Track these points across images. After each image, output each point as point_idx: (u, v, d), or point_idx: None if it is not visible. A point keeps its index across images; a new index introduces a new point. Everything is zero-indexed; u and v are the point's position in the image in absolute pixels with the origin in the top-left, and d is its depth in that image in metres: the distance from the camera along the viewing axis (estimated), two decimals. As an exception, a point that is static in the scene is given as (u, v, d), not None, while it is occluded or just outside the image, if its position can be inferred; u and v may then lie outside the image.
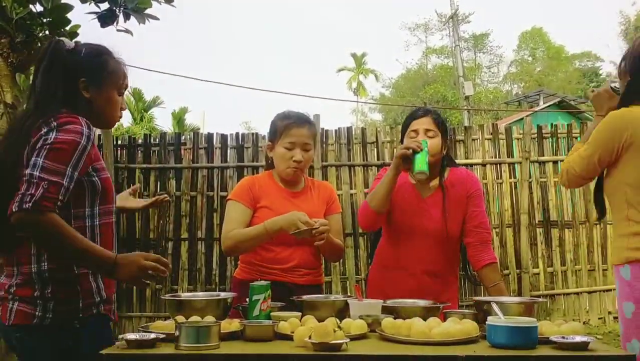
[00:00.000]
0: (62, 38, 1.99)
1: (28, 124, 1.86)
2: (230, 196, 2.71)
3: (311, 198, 2.73)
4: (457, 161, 6.86)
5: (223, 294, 2.34)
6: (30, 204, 1.70)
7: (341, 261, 6.78)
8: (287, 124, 2.65)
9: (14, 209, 1.71)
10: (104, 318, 1.96)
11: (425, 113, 2.71)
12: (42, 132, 1.81)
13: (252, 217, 2.63)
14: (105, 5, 4.17)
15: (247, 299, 2.17)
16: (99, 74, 1.97)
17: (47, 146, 1.78)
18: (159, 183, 6.92)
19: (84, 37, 3.95)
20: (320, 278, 2.75)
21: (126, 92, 2.11)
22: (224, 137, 7.01)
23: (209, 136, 7.05)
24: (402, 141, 2.72)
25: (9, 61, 4.16)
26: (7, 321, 1.84)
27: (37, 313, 1.82)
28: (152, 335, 1.76)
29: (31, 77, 2.07)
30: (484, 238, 2.69)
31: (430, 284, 2.62)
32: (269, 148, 2.73)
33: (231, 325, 1.93)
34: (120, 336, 1.75)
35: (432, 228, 2.65)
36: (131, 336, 1.74)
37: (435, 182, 2.70)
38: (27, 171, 1.75)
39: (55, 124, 1.81)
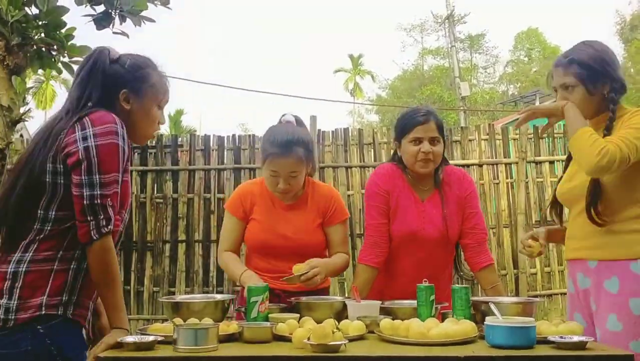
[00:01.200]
0: (107, 47, 1.97)
1: (57, 127, 1.83)
2: (225, 205, 2.73)
3: (305, 210, 2.64)
4: (454, 162, 6.93)
5: (220, 297, 2.34)
6: (107, 228, 1.76)
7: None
8: (270, 153, 2.51)
9: (94, 237, 1.74)
10: (72, 323, 1.80)
11: (427, 117, 2.56)
12: (77, 134, 1.78)
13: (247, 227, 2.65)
14: (101, 8, 4.17)
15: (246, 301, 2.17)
16: (141, 86, 1.95)
17: (94, 158, 1.76)
18: (155, 185, 6.92)
19: (79, 39, 3.95)
20: (325, 283, 2.66)
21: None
22: (220, 139, 7.01)
23: (206, 138, 7.04)
24: (398, 142, 2.63)
25: (5, 63, 4.16)
26: None
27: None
28: (151, 338, 1.76)
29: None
30: (481, 239, 2.67)
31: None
32: (261, 164, 2.62)
33: (229, 327, 1.93)
34: (119, 339, 1.74)
35: (433, 233, 2.60)
36: (130, 338, 1.74)
37: (430, 184, 2.66)
38: (87, 193, 1.74)
39: (88, 123, 1.79)
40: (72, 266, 1.80)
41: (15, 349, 1.71)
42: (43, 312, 1.73)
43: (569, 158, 2.37)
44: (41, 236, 1.79)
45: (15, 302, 1.73)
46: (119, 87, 1.92)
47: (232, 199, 2.70)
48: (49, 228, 1.79)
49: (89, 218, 1.75)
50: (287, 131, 2.57)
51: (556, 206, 2.43)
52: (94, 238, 1.75)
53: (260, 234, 2.61)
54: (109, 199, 1.77)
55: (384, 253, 2.61)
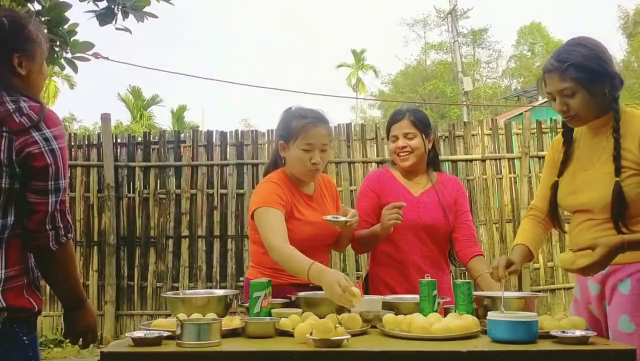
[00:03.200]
0: None
1: None
2: (260, 205, 2.47)
3: (324, 199, 2.67)
4: (457, 157, 6.96)
5: (223, 292, 2.35)
6: (66, 237, 1.72)
7: (342, 257, 6.81)
8: (304, 125, 2.48)
9: (53, 247, 1.69)
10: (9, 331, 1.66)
11: (402, 116, 2.75)
12: (35, 134, 1.65)
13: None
14: (103, 4, 4.16)
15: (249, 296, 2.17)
16: (30, 47, 1.79)
17: (60, 164, 1.69)
18: (158, 181, 6.93)
19: (82, 35, 3.95)
20: None
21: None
22: (223, 135, 7.02)
23: (209, 134, 7.05)
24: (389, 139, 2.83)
25: (8, 59, 4.16)
26: None
27: None
28: (157, 333, 1.76)
29: None
30: (470, 233, 2.78)
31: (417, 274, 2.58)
32: (281, 148, 2.57)
33: (232, 322, 1.94)
34: (126, 334, 1.75)
35: (432, 221, 2.71)
36: (137, 333, 1.74)
37: (424, 180, 2.80)
38: (51, 199, 1.68)
39: (41, 122, 1.67)
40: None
41: None
42: None
43: (564, 163, 2.27)
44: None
45: None
46: (8, 52, 1.76)
47: (268, 195, 2.48)
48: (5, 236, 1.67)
49: (48, 228, 1.68)
50: (312, 109, 2.60)
51: (556, 211, 2.33)
52: (53, 248, 1.70)
53: (304, 229, 2.51)
54: (65, 204, 1.72)
55: None
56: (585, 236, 2.15)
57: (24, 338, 1.68)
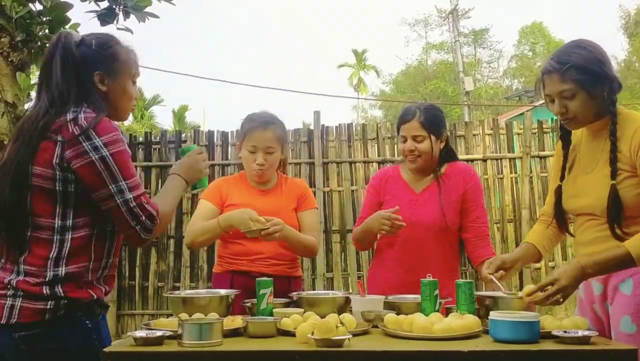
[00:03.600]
0: (69, 30, 1.95)
1: (42, 124, 1.78)
2: (200, 196, 2.79)
3: (280, 194, 2.77)
4: (458, 157, 6.90)
5: (225, 292, 2.36)
6: (153, 224, 1.81)
7: (343, 257, 6.80)
8: (250, 128, 2.69)
9: (145, 237, 1.81)
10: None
11: (412, 116, 2.69)
12: (85, 144, 1.74)
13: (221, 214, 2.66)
14: (104, 4, 4.17)
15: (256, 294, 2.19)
16: (112, 65, 1.91)
17: (114, 169, 1.76)
18: (160, 181, 6.92)
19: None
20: (295, 271, 2.76)
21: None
22: (224, 135, 7.02)
23: (210, 134, 7.05)
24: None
25: (10, 60, 4.17)
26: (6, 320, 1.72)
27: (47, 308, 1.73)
28: (159, 333, 1.77)
29: (37, 74, 1.99)
30: (482, 232, 2.71)
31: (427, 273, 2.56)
32: (237, 148, 2.77)
33: (234, 321, 1.94)
34: (128, 334, 1.75)
35: (429, 219, 2.66)
36: (139, 333, 1.75)
37: (429, 177, 2.75)
38: (119, 200, 1.76)
39: (92, 131, 1.75)
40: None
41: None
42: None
43: (564, 167, 2.27)
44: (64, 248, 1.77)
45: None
46: (91, 69, 1.88)
47: (208, 189, 2.73)
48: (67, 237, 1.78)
49: (133, 224, 1.79)
50: (265, 113, 2.79)
51: (561, 214, 2.31)
52: (145, 237, 1.82)
53: None
54: (142, 197, 1.80)
55: None
56: (587, 237, 2.16)
57: (87, 321, 1.79)
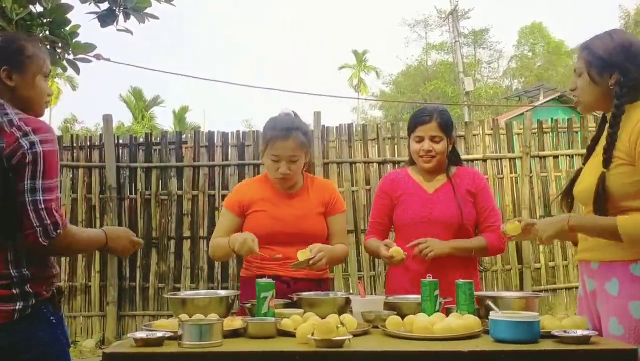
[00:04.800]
0: None
1: None
2: (224, 202, 2.80)
3: (308, 198, 2.72)
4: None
5: (225, 292, 2.37)
6: (56, 233, 1.77)
7: (343, 258, 6.80)
8: (272, 137, 2.61)
9: (43, 242, 1.77)
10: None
11: (430, 117, 2.70)
12: (22, 144, 1.77)
13: (246, 221, 2.68)
14: (104, 5, 4.17)
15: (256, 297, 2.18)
16: (19, 59, 1.92)
17: (39, 166, 1.77)
18: (160, 182, 6.93)
19: (83, 37, 3.95)
20: (324, 273, 2.74)
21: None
22: (225, 136, 7.02)
23: (210, 135, 7.05)
24: (409, 138, 2.77)
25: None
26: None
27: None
28: (159, 334, 1.77)
29: None
30: (495, 228, 2.71)
31: (448, 276, 2.47)
32: (261, 152, 2.72)
33: (234, 322, 1.94)
34: (128, 335, 1.75)
35: (447, 216, 2.68)
36: (140, 334, 1.75)
37: (441, 177, 2.78)
38: (29, 198, 1.76)
39: (29, 130, 1.79)
40: None
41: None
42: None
43: (587, 157, 2.26)
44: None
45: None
46: None
47: (231, 196, 2.77)
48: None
49: (35, 224, 1.76)
50: (287, 119, 2.70)
51: (567, 198, 2.31)
52: (43, 242, 1.77)
53: (267, 222, 2.64)
54: (53, 203, 1.79)
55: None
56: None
57: (51, 318, 1.87)
